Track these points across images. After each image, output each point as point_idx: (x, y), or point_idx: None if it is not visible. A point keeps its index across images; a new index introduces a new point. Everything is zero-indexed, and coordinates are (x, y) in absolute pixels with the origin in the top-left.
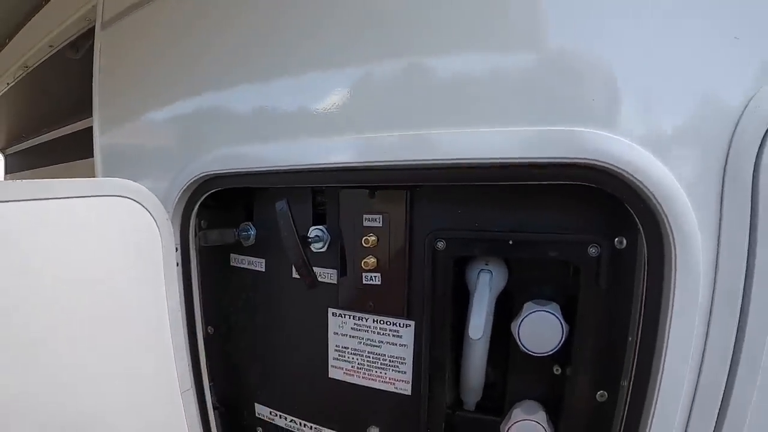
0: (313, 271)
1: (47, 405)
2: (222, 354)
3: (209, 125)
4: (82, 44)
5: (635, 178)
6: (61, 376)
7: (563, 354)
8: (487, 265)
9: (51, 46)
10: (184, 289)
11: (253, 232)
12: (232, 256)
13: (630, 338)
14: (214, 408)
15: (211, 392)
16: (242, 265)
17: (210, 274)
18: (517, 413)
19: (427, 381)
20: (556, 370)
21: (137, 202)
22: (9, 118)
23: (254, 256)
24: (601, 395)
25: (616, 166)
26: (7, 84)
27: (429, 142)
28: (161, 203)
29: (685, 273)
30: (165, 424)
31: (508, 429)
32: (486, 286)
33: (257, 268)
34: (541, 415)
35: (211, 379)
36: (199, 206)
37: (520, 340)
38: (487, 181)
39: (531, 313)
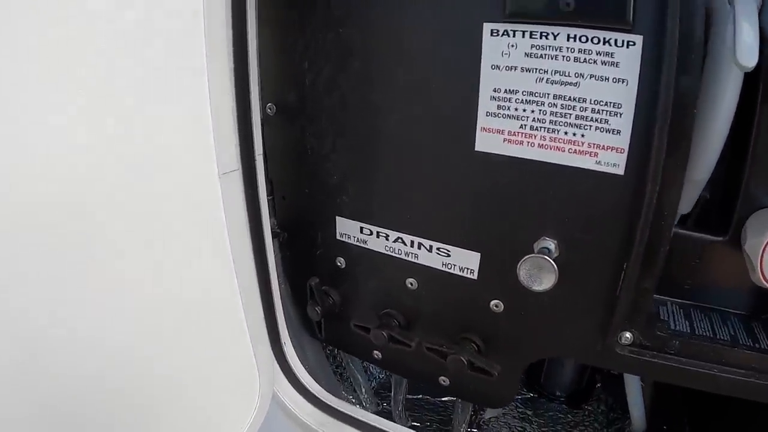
0: None
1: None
2: (287, 143)
3: None
4: None
5: None
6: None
7: None
8: None
9: None
10: (234, 36)
11: None
12: None
13: None
14: (274, 235)
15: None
16: None
17: (274, 19)
18: None
19: (665, 140)
20: None
21: None
22: None
23: None
24: None
25: None
26: None
27: None
28: None
29: None
30: (198, 209)
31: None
32: None
33: None
34: None
35: (270, 191)
36: None
37: None
38: None
39: None
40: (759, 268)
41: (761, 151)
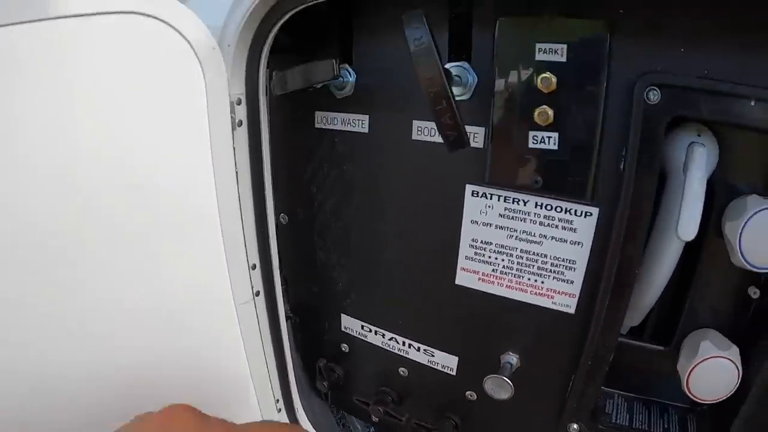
0: (462, 122)
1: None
2: (298, 250)
3: None
4: None
5: None
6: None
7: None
8: (699, 137)
9: None
10: (252, 161)
11: (351, 78)
12: (318, 114)
13: None
14: (287, 318)
15: (283, 297)
16: (333, 126)
17: (285, 140)
18: (707, 348)
19: (609, 293)
20: (754, 293)
21: (168, 24)
22: None
23: (353, 112)
24: None
25: None
26: None
27: None
28: (208, 32)
29: None
30: (212, 342)
31: (694, 367)
32: (702, 165)
33: (357, 129)
34: (735, 352)
35: (283, 282)
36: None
37: (740, 249)
38: None
39: (761, 210)
40: (686, 386)
41: (704, 278)
